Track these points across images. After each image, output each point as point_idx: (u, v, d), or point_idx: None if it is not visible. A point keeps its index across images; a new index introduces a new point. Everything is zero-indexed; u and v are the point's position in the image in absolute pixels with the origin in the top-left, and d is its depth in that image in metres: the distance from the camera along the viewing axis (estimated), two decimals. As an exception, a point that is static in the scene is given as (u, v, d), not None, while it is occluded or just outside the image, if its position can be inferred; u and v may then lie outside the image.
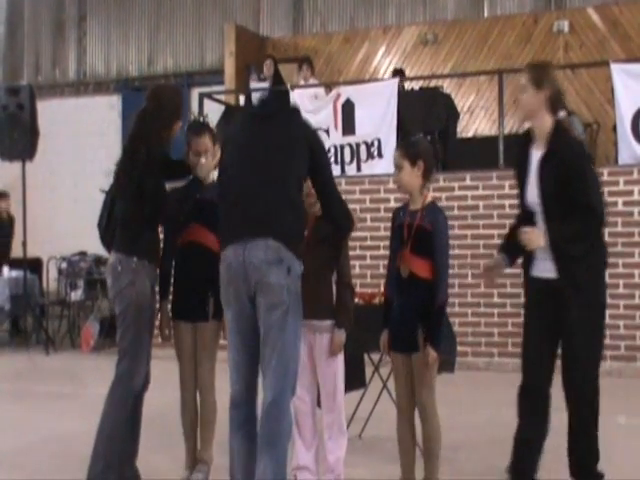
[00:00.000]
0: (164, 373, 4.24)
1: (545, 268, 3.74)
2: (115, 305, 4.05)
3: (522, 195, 3.86)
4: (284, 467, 3.39)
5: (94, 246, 9.94)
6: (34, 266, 10.40)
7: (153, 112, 4.01)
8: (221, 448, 4.27)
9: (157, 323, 4.26)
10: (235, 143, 3.63)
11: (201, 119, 4.55)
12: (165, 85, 4.28)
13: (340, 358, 4.00)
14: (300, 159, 3.51)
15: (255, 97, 10.67)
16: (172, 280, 4.35)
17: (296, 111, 3.76)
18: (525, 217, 3.85)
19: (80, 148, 13.92)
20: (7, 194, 10.82)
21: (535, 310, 3.85)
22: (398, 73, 10.58)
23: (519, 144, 3.95)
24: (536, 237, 3.62)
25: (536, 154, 3.79)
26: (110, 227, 4.15)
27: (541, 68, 3.89)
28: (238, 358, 3.48)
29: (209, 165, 4.27)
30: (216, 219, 4.14)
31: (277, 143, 3.52)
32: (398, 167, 3.89)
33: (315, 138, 3.70)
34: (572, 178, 3.63)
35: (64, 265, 10.02)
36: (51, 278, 10.32)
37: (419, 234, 3.82)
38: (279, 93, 3.64)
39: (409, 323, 3.82)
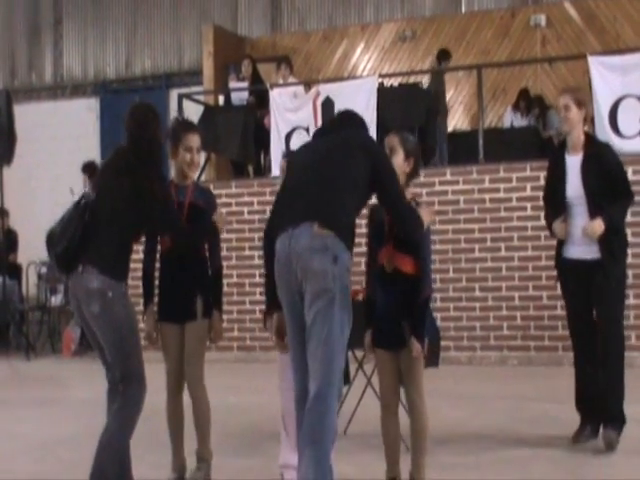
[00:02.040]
0: (161, 376, 4.20)
1: (583, 251, 4.70)
2: (105, 329, 3.79)
3: (558, 191, 4.78)
4: (326, 466, 3.15)
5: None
6: (13, 271, 10.32)
7: (140, 125, 3.89)
8: (216, 448, 4.28)
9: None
10: (296, 159, 3.64)
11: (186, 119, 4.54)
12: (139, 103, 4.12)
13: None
14: (356, 163, 3.41)
15: (235, 97, 10.66)
16: (156, 282, 4.31)
17: (360, 125, 3.68)
18: (558, 207, 4.77)
19: (58, 152, 13.81)
20: (6, 212, 10.62)
21: (574, 286, 4.78)
22: (444, 55, 10.46)
23: (555, 151, 5.03)
24: (599, 227, 4.57)
25: (571, 158, 4.78)
26: (79, 245, 3.79)
27: (579, 91, 5.01)
28: (295, 355, 3.31)
29: (197, 163, 4.26)
30: (198, 221, 4.09)
31: (332, 148, 3.47)
32: (392, 150, 3.84)
33: (377, 148, 3.61)
34: (614, 172, 4.72)
35: (44, 270, 9.93)
36: (31, 283, 10.22)
37: None
38: (346, 115, 3.73)
39: (395, 319, 3.80)
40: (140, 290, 4.26)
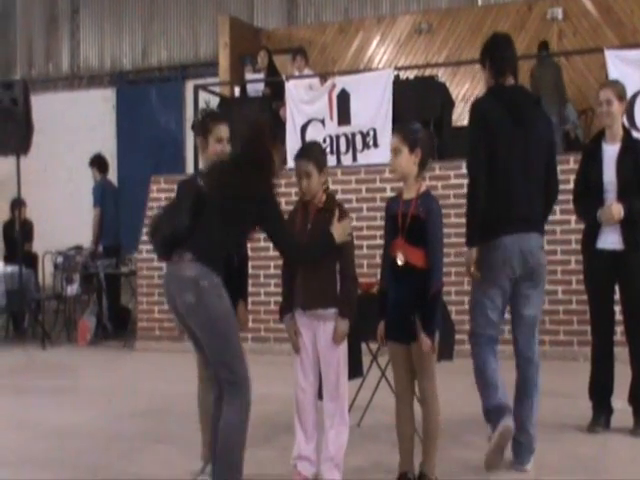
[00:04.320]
0: (178, 366, 4.20)
1: (611, 240, 4.88)
2: (200, 322, 3.69)
3: (593, 178, 4.97)
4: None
5: (89, 240, 9.95)
6: (30, 261, 10.38)
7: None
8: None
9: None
10: (501, 137, 4.23)
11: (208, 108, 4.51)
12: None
13: (343, 347, 3.99)
14: (546, 154, 4.35)
15: (251, 89, 10.66)
16: None
17: (540, 108, 4.55)
18: (594, 194, 4.94)
19: (74, 142, 13.88)
20: (23, 202, 10.58)
21: (600, 276, 4.95)
22: (543, 45, 10.50)
23: (593, 139, 5.20)
24: (617, 210, 4.80)
25: (609, 148, 4.98)
26: (184, 234, 3.72)
27: (618, 84, 5.14)
28: (493, 316, 4.45)
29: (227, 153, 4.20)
30: None
31: (535, 145, 4.26)
32: (396, 151, 3.87)
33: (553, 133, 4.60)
34: None
35: (60, 259, 9.97)
36: (47, 273, 10.29)
37: (414, 223, 3.82)
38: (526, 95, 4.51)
39: (406, 312, 3.81)
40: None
